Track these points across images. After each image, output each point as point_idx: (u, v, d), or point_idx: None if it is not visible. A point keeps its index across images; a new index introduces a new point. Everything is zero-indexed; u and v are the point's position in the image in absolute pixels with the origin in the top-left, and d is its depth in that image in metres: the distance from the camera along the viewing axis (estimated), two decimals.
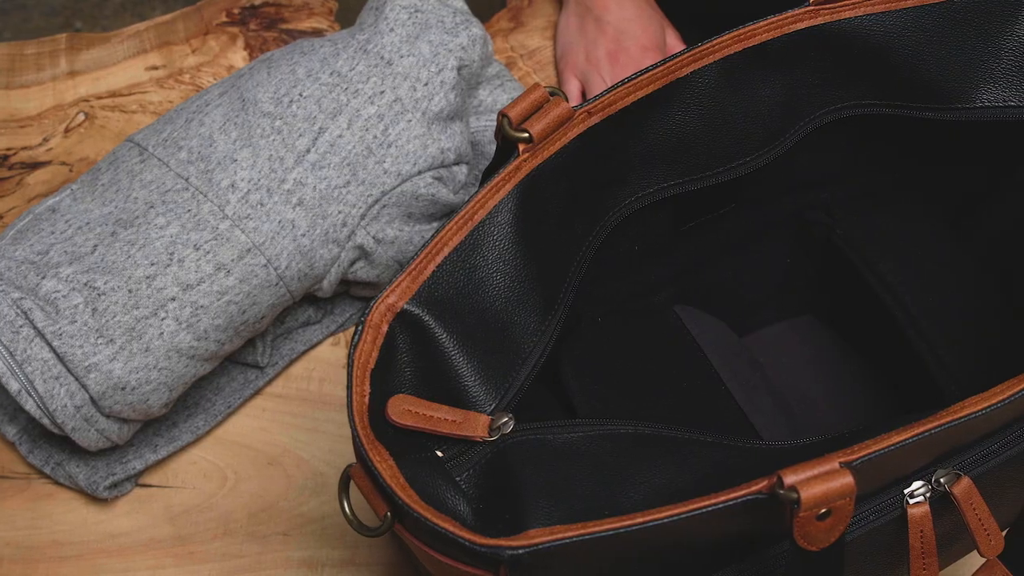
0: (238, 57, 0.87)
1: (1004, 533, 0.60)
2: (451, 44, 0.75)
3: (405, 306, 0.52)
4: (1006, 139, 0.67)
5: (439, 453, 0.52)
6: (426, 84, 0.74)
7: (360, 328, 0.51)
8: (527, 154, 0.55)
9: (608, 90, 0.57)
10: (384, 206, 0.74)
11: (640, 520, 0.46)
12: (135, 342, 0.67)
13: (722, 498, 0.46)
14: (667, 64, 0.58)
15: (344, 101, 0.73)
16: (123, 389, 0.67)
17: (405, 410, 0.51)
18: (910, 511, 0.53)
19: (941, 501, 0.53)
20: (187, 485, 0.75)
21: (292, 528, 0.73)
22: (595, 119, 0.57)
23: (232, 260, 0.69)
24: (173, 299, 0.68)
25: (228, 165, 0.70)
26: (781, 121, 0.62)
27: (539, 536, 0.46)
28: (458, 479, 0.51)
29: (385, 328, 0.52)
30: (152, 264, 0.68)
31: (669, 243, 0.66)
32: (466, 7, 0.78)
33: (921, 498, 0.53)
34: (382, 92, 0.74)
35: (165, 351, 0.68)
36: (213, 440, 0.76)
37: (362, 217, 0.73)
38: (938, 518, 0.54)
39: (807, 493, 0.45)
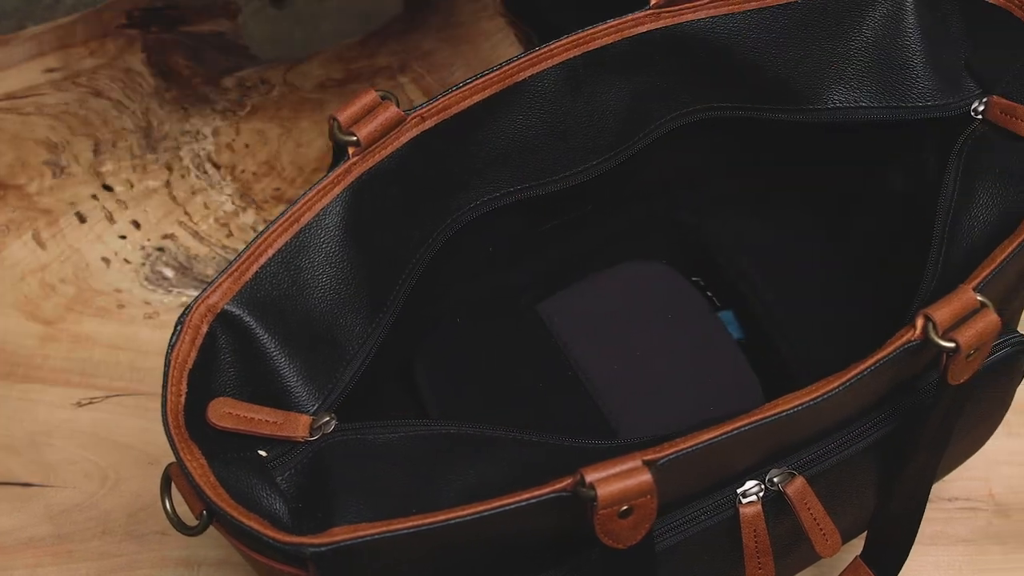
0: (136, 59, 0.87)
1: (865, 534, 0.61)
2: None
3: (226, 307, 0.52)
4: (873, 141, 0.67)
5: (262, 453, 0.52)
6: None
7: (179, 328, 0.51)
8: (356, 158, 0.55)
9: (442, 94, 0.57)
10: None
11: (442, 518, 0.46)
12: None
13: (526, 496, 0.46)
14: (503, 68, 0.58)
15: None
16: None
17: (225, 413, 0.51)
18: (742, 510, 0.53)
19: (778, 501, 0.53)
20: (68, 484, 0.75)
21: (170, 527, 0.73)
22: (429, 123, 0.57)
23: None
24: None
25: None
26: (628, 125, 0.61)
27: (342, 534, 0.46)
28: (279, 479, 0.52)
29: (205, 328, 0.52)
30: None
31: (530, 245, 0.67)
32: None
33: (754, 497, 0.53)
34: None
35: None
36: (95, 440, 0.77)
37: None
38: (778, 519, 0.54)
39: (604, 491, 0.45)
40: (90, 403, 0.79)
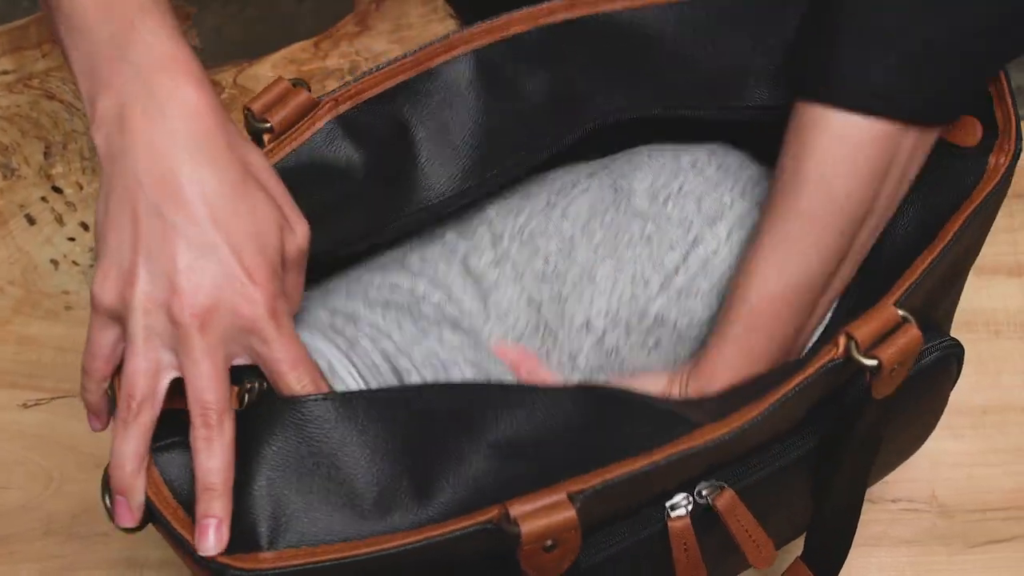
0: None
1: (804, 537, 0.61)
2: None
3: None
4: None
5: None
6: None
7: None
8: (272, 144, 0.55)
9: (356, 79, 0.56)
10: None
11: (367, 550, 0.46)
12: None
13: (450, 527, 0.46)
14: (416, 54, 0.57)
15: (727, 203, 0.58)
16: None
17: None
18: (671, 524, 0.52)
19: (708, 514, 0.53)
20: (12, 486, 0.76)
21: (113, 528, 0.73)
22: (343, 108, 0.56)
23: None
24: None
25: (585, 288, 0.57)
26: (552, 118, 0.59)
27: (268, 561, 0.46)
28: None
29: None
30: None
31: None
32: None
33: (683, 511, 0.52)
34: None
35: None
36: (41, 441, 0.77)
37: None
38: (709, 531, 0.53)
39: (528, 528, 0.45)
40: (36, 404, 0.79)
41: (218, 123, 0.48)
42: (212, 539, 0.47)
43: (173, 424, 0.50)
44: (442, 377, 0.54)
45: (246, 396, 0.50)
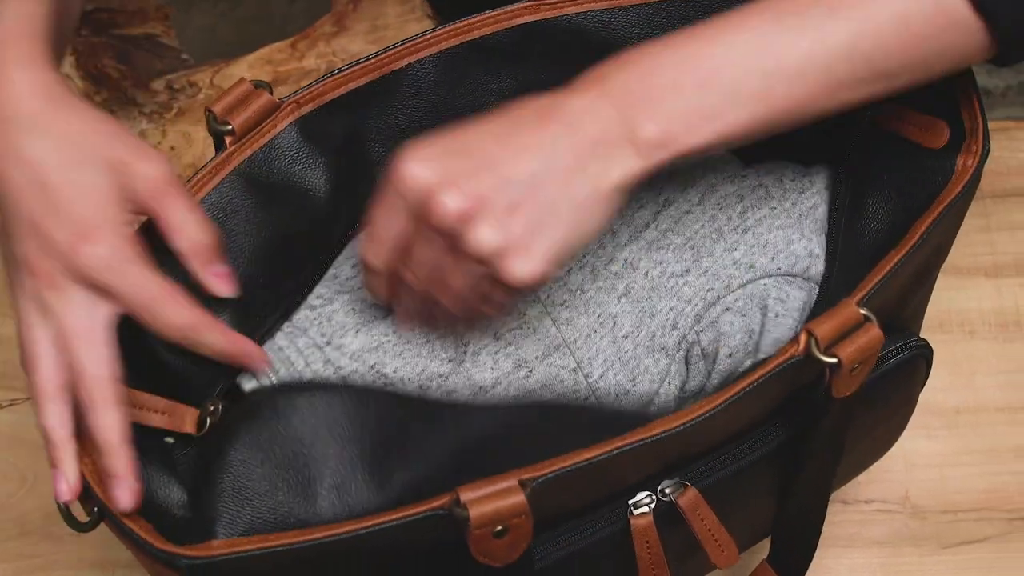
0: (65, 62, 0.87)
1: (768, 539, 0.61)
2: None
3: None
4: (764, 147, 0.65)
5: (169, 440, 0.52)
6: (793, 180, 0.62)
7: None
8: (234, 147, 0.55)
9: (318, 80, 0.56)
10: (727, 309, 0.59)
11: (320, 535, 0.46)
12: None
13: (401, 514, 0.46)
14: (380, 56, 0.57)
15: (699, 174, 0.61)
16: None
17: None
18: (633, 522, 0.52)
19: (670, 512, 0.53)
20: None
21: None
22: (306, 109, 0.56)
23: (536, 357, 0.57)
24: None
25: None
26: None
27: (219, 548, 0.46)
28: (181, 467, 0.52)
29: None
30: (449, 360, 0.57)
31: None
32: None
33: (645, 508, 0.52)
34: (744, 176, 0.62)
35: None
36: (15, 441, 0.77)
37: (697, 319, 0.59)
38: (672, 529, 0.53)
39: (476, 511, 0.45)
40: (11, 405, 0.79)
41: (39, 94, 0.50)
42: (123, 496, 0.48)
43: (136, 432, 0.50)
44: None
45: (207, 420, 0.51)
